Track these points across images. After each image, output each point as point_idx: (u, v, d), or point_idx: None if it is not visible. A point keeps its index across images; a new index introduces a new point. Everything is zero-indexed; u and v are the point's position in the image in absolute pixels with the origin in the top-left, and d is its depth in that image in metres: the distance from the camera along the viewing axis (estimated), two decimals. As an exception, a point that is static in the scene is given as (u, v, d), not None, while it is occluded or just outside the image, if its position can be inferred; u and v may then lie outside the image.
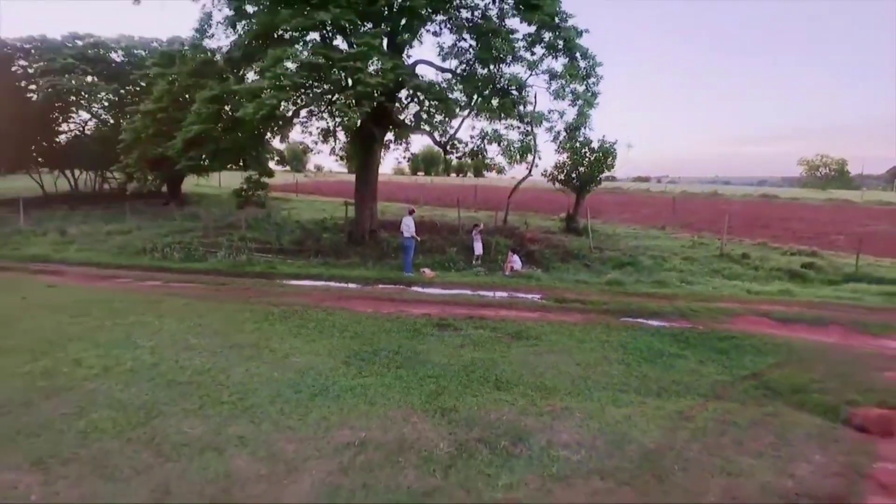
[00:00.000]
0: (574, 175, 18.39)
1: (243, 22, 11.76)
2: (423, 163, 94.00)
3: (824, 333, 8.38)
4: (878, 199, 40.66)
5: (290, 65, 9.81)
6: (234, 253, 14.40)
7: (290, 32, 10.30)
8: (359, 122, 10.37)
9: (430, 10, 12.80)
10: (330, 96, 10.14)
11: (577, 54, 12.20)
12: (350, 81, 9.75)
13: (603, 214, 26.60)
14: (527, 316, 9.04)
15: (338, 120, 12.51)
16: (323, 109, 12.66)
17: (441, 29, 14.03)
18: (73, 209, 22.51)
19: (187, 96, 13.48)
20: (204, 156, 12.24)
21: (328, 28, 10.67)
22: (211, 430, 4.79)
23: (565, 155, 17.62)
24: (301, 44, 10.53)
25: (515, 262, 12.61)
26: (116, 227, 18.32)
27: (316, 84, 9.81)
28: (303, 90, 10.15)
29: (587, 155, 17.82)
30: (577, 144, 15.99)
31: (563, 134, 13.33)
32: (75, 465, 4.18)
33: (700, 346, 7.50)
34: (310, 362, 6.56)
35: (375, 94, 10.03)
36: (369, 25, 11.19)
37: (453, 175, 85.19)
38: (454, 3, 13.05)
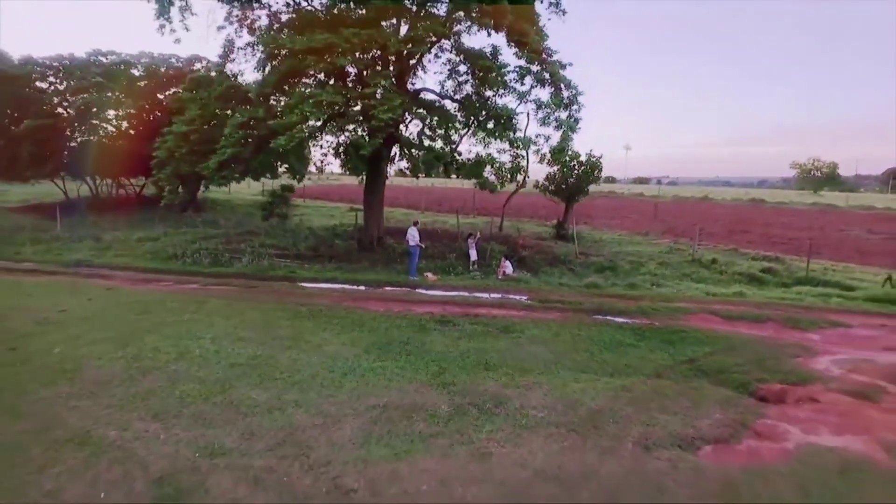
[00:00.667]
0: (564, 186, 20.08)
1: (271, 64, 13.41)
2: (423, 165, 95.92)
3: (760, 329, 10.07)
4: (861, 204, 42.32)
5: (314, 99, 11.48)
6: (257, 258, 16.10)
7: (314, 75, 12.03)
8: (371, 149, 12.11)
9: (431, 47, 14.60)
10: (348, 128, 11.76)
11: (562, 85, 13.93)
12: (364, 116, 11.42)
13: (594, 220, 28.30)
14: (514, 314, 10.74)
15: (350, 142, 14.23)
16: (339, 135, 14.38)
17: (442, 68, 15.88)
18: (100, 215, 24.19)
19: (215, 122, 15.12)
20: (236, 174, 13.89)
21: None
22: (272, 397, 6.49)
23: (556, 168, 19.32)
24: (323, 84, 12.17)
25: (507, 267, 14.31)
26: (145, 233, 20.03)
27: (336, 119, 11.44)
28: (325, 123, 11.79)
29: (575, 168, 19.53)
30: (566, 159, 17.69)
31: (548, 156, 15.06)
32: (182, 418, 5.87)
33: (653, 338, 9.20)
34: (338, 350, 8.26)
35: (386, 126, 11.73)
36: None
37: (454, 177, 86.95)
38: (453, 46, 14.81)
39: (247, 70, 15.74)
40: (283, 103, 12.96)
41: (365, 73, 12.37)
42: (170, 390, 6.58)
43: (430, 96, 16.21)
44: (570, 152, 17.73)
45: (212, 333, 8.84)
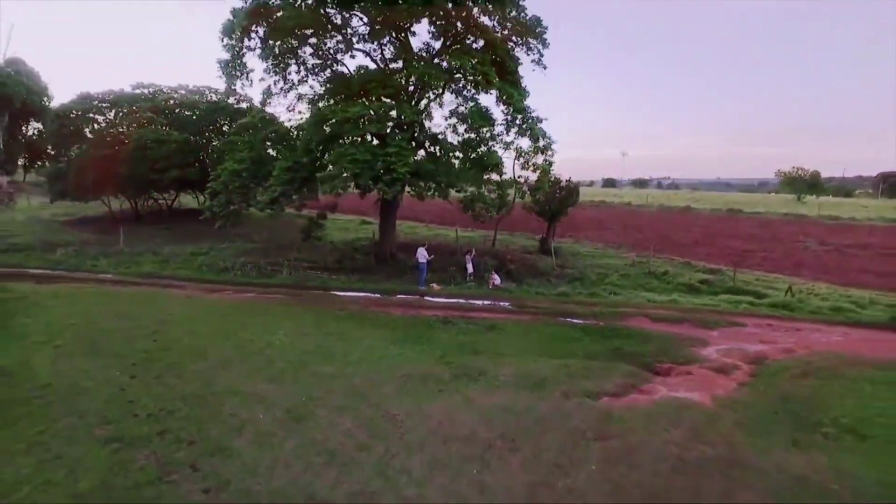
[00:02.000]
0: (547, 208, 23.75)
1: (315, 124, 17.05)
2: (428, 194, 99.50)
3: (677, 327, 13.75)
4: (830, 214, 45.88)
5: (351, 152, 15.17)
6: (294, 271, 19.81)
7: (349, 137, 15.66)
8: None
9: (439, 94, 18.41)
10: (373, 177, 15.35)
11: (539, 136, 17.64)
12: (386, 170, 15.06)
13: (579, 232, 31.95)
14: (499, 316, 14.44)
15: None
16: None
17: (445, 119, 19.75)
18: (144, 228, 27.89)
19: (261, 161, 18.84)
20: (283, 207, 17.48)
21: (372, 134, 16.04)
22: (335, 370, 10.17)
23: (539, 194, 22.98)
24: (355, 143, 15.79)
25: (496, 279, 18.00)
26: (195, 247, 23.76)
27: (366, 171, 15.05)
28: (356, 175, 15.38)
29: (557, 193, 23.20)
30: (546, 188, 21.36)
31: (528, 192, 18.81)
32: (284, 382, 9.55)
33: (595, 334, 12.89)
34: (372, 342, 11.93)
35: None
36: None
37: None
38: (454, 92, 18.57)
39: (280, 110, 19.59)
40: (323, 153, 16.61)
41: (386, 134, 16.02)
42: (270, 366, 10.27)
43: (434, 129, 20.00)
44: (551, 179, 21.54)
45: (283, 331, 12.53)
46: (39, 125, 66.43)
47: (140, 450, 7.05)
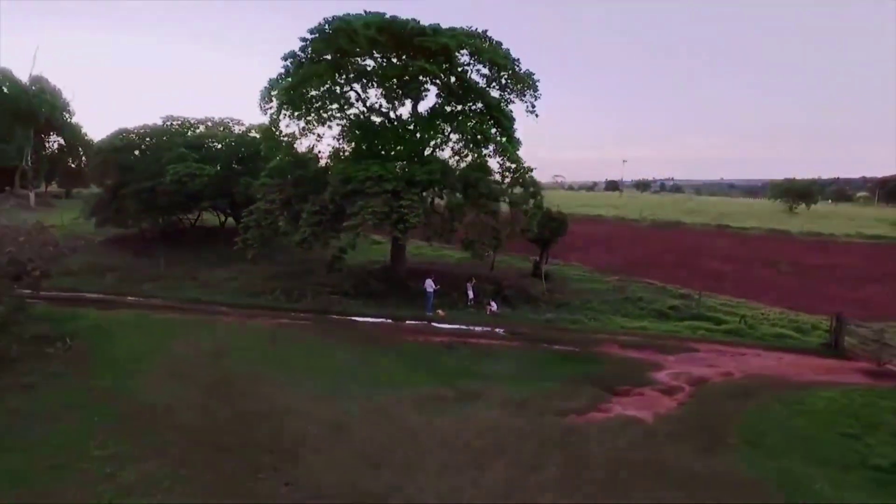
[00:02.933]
0: (540, 237, 26.63)
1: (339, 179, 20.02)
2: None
3: (640, 353, 16.60)
4: (812, 230, 48.60)
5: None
6: (317, 296, 22.72)
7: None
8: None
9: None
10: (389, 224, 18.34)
11: (530, 185, 20.57)
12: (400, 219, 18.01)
13: (571, 253, 34.74)
14: (493, 342, 17.35)
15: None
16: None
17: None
18: (174, 248, 30.76)
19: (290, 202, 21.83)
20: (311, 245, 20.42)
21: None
22: (364, 391, 13.04)
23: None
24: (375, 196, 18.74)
25: (493, 306, 20.89)
26: (225, 272, 26.72)
27: (384, 220, 18.05)
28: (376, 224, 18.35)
29: (548, 224, 26.09)
30: (535, 230, 24.23)
31: (521, 231, 21.85)
32: (328, 403, 12.45)
33: (571, 360, 15.77)
34: (392, 368, 14.80)
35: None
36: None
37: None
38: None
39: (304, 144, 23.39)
40: (346, 199, 19.61)
41: (401, 189, 18.96)
42: (313, 388, 13.17)
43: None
44: (542, 211, 24.44)
45: (319, 356, 15.45)
46: (61, 139, 69.87)
47: (230, 455, 9.99)
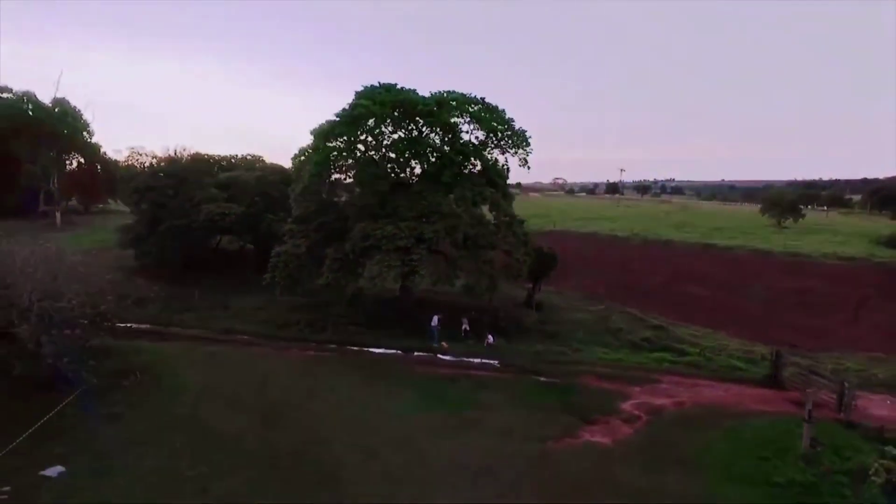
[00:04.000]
0: (532, 271, 29.97)
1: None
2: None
3: (611, 384, 19.85)
4: (791, 249, 51.85)
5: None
6: (336, 327, 26.00)
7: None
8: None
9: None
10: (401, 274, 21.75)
11: (520, 237, 24.04)
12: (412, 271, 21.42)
13: (562, 280, 37.93)
14: (488, 374, 20.65)
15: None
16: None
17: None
18: (201, 273, 33.99)
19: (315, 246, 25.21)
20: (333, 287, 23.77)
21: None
22: (383, 421, 16.33)
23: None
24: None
25: (490, 339, 24.19)
26: (252, 299, 29.98)
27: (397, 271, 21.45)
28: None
29: (540, 259, 29.43)
30: (525, 275, 27.53)
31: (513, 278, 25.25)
32: (359, 432, 15.76)
33: (554, 390, 19.05)
34: (405, 398, 18.08)
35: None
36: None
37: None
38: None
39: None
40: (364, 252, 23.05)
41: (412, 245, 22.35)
42: (344, 420, 16.46)
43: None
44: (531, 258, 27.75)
45: (345, 382, 18.72)
46: (80, 157, 73.45)
47: (289, 474, 13.30)
